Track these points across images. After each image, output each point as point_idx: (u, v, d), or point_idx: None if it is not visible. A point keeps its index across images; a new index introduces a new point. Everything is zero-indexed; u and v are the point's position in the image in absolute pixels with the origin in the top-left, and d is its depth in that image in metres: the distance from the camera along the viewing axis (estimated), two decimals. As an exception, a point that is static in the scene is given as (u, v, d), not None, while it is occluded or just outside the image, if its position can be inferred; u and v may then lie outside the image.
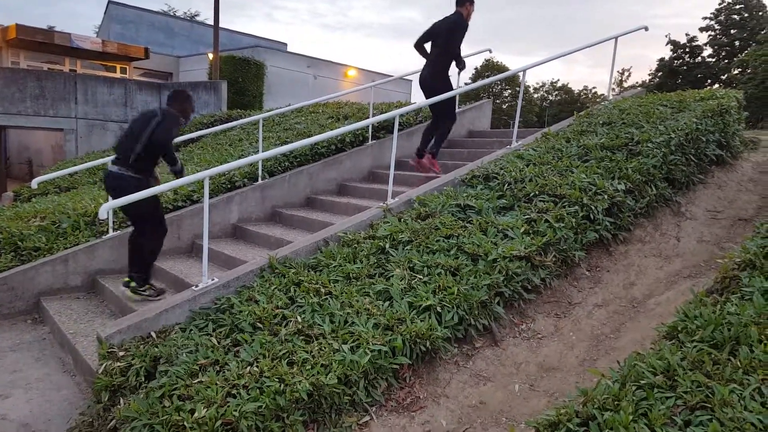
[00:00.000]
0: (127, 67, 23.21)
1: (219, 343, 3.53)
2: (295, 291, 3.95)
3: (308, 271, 4.26)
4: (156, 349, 3.52)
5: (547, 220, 4.48)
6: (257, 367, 3.17)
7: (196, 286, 4.17)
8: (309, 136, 8.11)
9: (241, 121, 8.03)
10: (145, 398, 3.10)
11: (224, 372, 3.19)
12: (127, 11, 27.32)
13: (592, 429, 2.42)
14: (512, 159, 5.72)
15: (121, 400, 3.24)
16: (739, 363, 2.54)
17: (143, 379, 3.36)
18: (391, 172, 5.47)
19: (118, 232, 5.92)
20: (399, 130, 5.55)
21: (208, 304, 4.08)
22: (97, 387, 3.41)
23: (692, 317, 3.05)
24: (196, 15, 46.83)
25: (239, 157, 7.82)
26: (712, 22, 43.51)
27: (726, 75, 42.88)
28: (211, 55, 19.48)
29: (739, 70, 40.46)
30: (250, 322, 3.65)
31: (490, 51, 9.86)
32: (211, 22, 28.03)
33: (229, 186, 6.78)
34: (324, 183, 7.38)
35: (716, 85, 42.19)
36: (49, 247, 5.80)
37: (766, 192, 5.72)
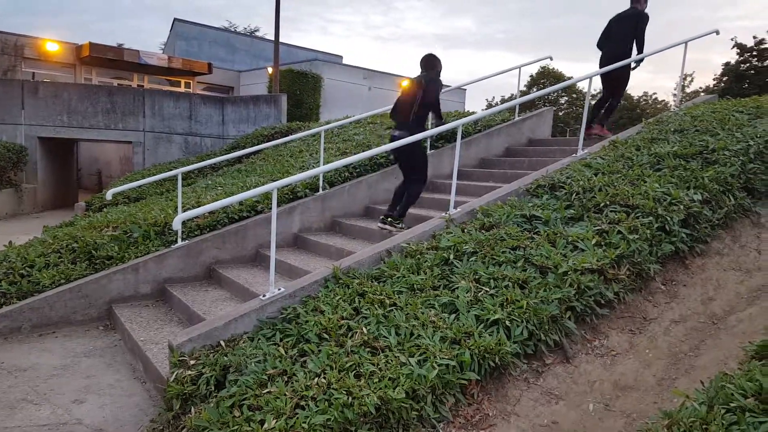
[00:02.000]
0: (191, 81, 24.12)
1: (286, 353, 3.56)
2: (359, 302, 3.94)
3: (372, 281, 4.25)
4: (225, 358, 3.58)
5: (619, 232, 4.30)
6: (325, 378, 3.17)
7: (264, 295, 4.23)
8: (368, 147, 8.17)
9: (302, 133, 8.16)
10: (215, 408, 3.15)
11: (292, 383, 3.21)
12: (191, 28, 28.44)
13: (678, 454, 2.29)
14: (579, 168, 5.55)
15: (192, 409, 3.30)
16: (839, 388, 2.36)
17: (213, 388, 3.41)
18: (454, 181, 5.41)
19: (186, 242, 6.10)
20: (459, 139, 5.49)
21: (274, 313, 4.13)
22: (168, 395, 3.48)
23: (784, 337, 2.87)
24: (255, 30, 48.28)
25: (301, 168, 7.95)
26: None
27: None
28: (270, 69, 20.00)
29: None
30: (316, 333, 3.66)
31: (551, 59, 9.67)
32: (269, 37, 28.68)
33: (291, 196, 6.89)
34: (383, 193, 7.38)
35: (789, 89, 39.97)
36: (121, 255, 6.04)
37: None
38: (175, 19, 28.28)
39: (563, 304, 3.74)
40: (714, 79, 44.15)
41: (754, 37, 42.72)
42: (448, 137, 8.02)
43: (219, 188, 8.17)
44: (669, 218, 4.46)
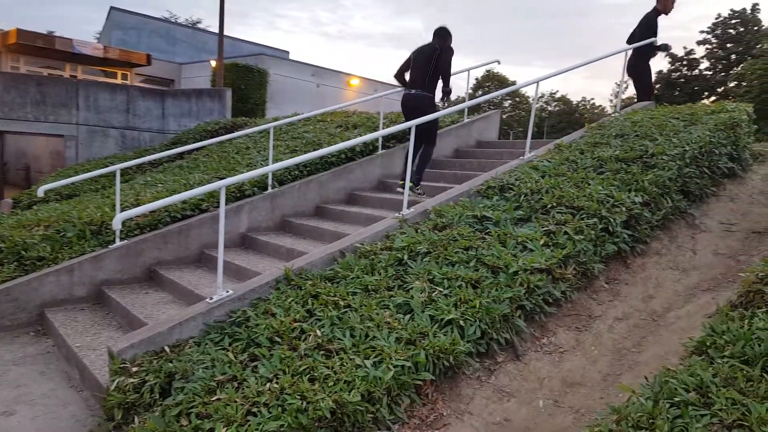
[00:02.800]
0: (129, 73, 23.18)
1: (236, 358, 3.45)
2: (312, 303, 3.88)
3: (325, 282, 4.20)
4: (170, 365, 3.44)
5: (566, 232, 4.43)
6: (277, 383, 3.10)
7: (210, 298, 4.10)
8: (318, 145, 8.08)
9: (249, 130, 7.98)
10: (161, 417, 3.02)
11: (243, 389, 3.12)
12: (128, 17, 27.36)
13: (628, 449, 2.36)
14: (527, 170, 5.68)
15: (135, 419, 3.17)
16: (773, 380, 2.50)
17: (158, 396, 3.28)
18: (407, 183, 5.42)
19: (125, 241, 5.85)
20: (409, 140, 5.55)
21: (222, 317, 4.00)
22: (108, 404, 3.32)
23: (720, 332, 3.01)
24: (197, 22, 46.91)
25: (248, 166, 7.77)
26: (709, 36, 43.80)
27: (723, 88, 43.11)
28: (214, 62, 19.48)
29: (736, 83, 40.70)
30: (267, 336, 3.58)
31: (499, 62, 9.89)
32: (212, 29, 27.97)
33: (238, 195, 6.72)
34: (334, 192, 7.32)
35: (713, 98, 42.40)
36: (53, 256, 5.72)
37: (778, 204, 5.68)
38: (111, 8, 27.13)
39: (514, 303, 3.81)
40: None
41: (684, 48, 45.17)
42: (399, 137, 8.04)
43: (159, 185, 7.87)
44: (612, 219, 4.63)
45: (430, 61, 6.26)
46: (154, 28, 28.54)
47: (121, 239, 5.90)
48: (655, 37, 7.90)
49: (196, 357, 3.51)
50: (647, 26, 7.99)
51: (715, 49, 43.50)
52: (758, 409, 2.32)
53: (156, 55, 24.46)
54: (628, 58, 7.94)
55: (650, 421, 2.45)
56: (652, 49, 8.08)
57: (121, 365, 3.54)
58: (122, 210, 6.19)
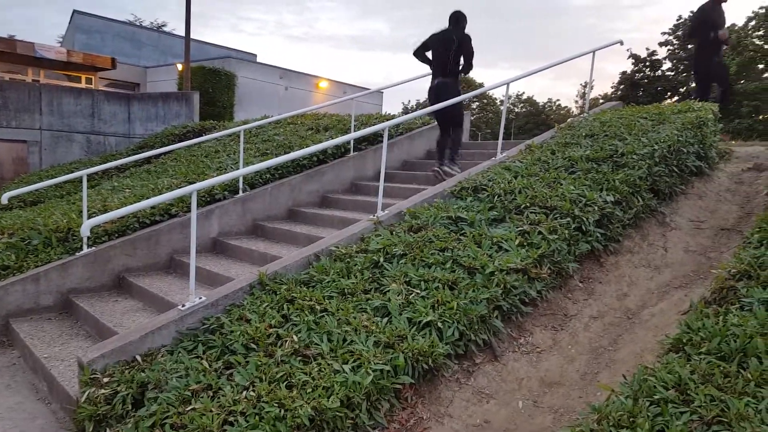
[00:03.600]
0: (93, 77, 22.62)
1: (210, 366, 3.36)
2: (288, 308, 3.80)
3: (301, 287, 4.12)
4: (143, 374, 3.34)
5: (540, 232, 4.44)
6: (254, 391, 3.03)
7: (182, 305, 3.99)
8: (289, 148, 7.99)
9: (219, 133, 7.84)
10: (134, 428, 2.94)
11: (219, 397, 3.04)
12: (92, 21, 26.74)
13: (610, 448, 2.36)
14: (500, 171, 5.69)
15: (107, 431, 3.05)
16: (750, 375, 2.53)
17: (130, 407, 3.17)
18: (381, 183, 5.38)
19: (93, 248, 5.67)
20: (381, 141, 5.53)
21: (195, 324, 3.90)
22: (79, 417, 3.21)
23: (696, 329, 3.04)
24: (163, 25, 46.09)
25: (218, 170, 7.63)
26: (671, 37, 44.85)
27: (684, 88, 44.21)
28: (180, 66, 19.15)
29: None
30: (242, 343, 3.49)
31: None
32: (178, 32, 27.52)
33: (208, 199, 6.59)
34: (306, 195, 7.24)
35: (675, 98, 43.48)
36: (18, 265, 5.53)
37: (744, 202, 5.81)
38: (74, 11, 26.47)
39: (491, 303, 3.80)
40: (612, 87, 47.30)
41: (647, 49, 46.19)
42: (371, 139, 8.00)
43: (127, 191, 7.68)
44: (585, 219, 4.66)
45: (450, 50, 6.51)
46: (118, 31, 27.95)
47: (89, 246, 5.73)
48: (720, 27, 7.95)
49: (170, 366, 3.40)
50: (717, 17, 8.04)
51: (677, 50, 44.57)
52: (737, 404, 2.34)
53: (121, 59, 23.93)
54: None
55: (631, 419, 2.46)
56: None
57: (92, 376, 3.43)
58: (89, 216, 6.02)
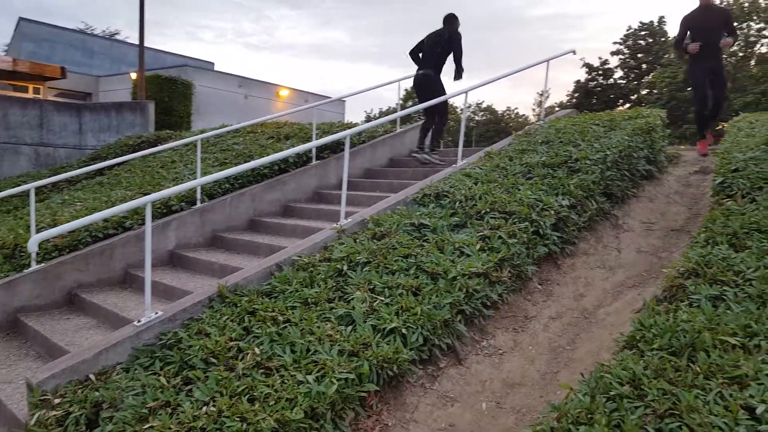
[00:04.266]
0: (42, 87, 21.89)
1: (168, 382, 3.28)
2: (249, 321, 3.75)
3: (262, 298, 4.07)
4: (97, 393, 3.24)
5: (500, 237, 4.52)
6: (214, 406, 2.96)
7: (138, 320, 3.88)
8: (249, 157, 7.90)
9: (175, 143, 7.70)
10: (90, 449, 2.83)
11: (178, 414, 2.96)
12: (40, 29, 25.92)
13: (570, 445, 2.40)
14: (460, 177, 5.77)
15: (61, 453, 2.94)
16: (698, 369, 2.61)
17: (84, 428, 3.07)
18: (344, 191, 5.37)
19: (42, 265, 5.48)
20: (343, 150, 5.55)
21: (152, 339, 3.80)
22: (29, 440, 3.08)
23: (648, 326, 3.12)
24: (115, 33, 45.00)
25: (174, 180, 7.49)
26: (622, 47, 46.45)
27: (636, 95, 45.81)
28: (134, 75, 18.75)
29: (647, 90, 43.37)
30: (201, 358, 3.42)
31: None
32: (131, 40, 26.93)
33: (165, 210, 6.44)
34: (268, 205, 7.17)
35: (627, 105, 44.98)
36: (-39, 283, 5.29)
37: (692, 203, 6.05)
38: (20, 19, 25.61)
39: (454, 308, 3.84)
40: (567, 95, 48.65)
41: (600, 58, 47.68)
42: (333, 148, 7.99)
43: (78, 204, 7.45)
44: (542, 222, 4.77)
45: (440, 46, 7.25)
46: (68, 39, 27.16)
47: (38, 262, 5.53)
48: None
49: (125, 384, 3.31)
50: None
51: (628, 59, 46.15)
52: (687, 397, 2.41)
53: (71, 68, 23.23)
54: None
55: (589, 416, 2.51)
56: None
57: (42, 397, 3.30)
58: (38, 231, 5.80)
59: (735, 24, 7.56)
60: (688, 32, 7.21)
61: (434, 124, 7.64)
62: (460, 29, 7.38)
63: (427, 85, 7.35)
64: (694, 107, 7.64)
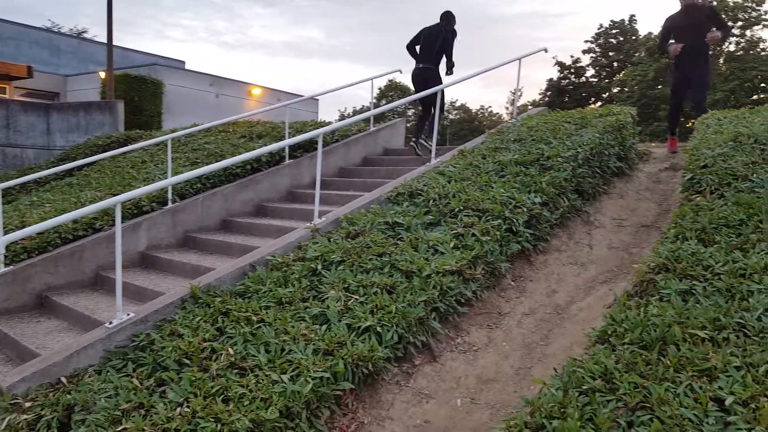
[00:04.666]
0: (7, 86, 21.36)
1: (141, 384, 3.25)
2: (223, 321, 3.72)
3: (236, 298, 4.04)
4: (69, 396, 3.19)
5: (474, 234, 4.55)
6: (188, 407, 2.94)
7: (110, 322, 3.83)
8: (221, 156, 7.83)
9: (145, 142, 7.59)
10: (61, 453, 2.78)
11: (151, 416, 2.93)
12: (4, 27, 25.22)
13: (543, 438, 2.44)
14: (434, 176, 5.80)
15: (31, 458, 2.88)
16: (669, 362, 2.66)
17: (56, 431, 3.01)
18: (317, 190, 5.36)
19: (11, 267, 5.35)
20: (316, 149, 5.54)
21: (124, 341, 3.75)
22: (-1, 445, 3.02)
23: (619, 321, 3.17)
24: (83, 32, 44.02)
25: (145, 180, 7.38)
26: (593, 45, 47.12)
27: (607, 93, 46.53)
28: (103, 74, 18.40)
29: (619, 88, 44.10)
30: (175, 359, 3.39)
31: (401, 72, 10.05)
32: (99, 39, 26.41)
33: (135, 211, 6.35)
34: (240, 204, 7.10)
35: (599, 103, 45.69)
36: (-75, 288, 5.13)
37: (662, 200, 6.17)
38: (-17, 16, 24.92)
39: (428, 305, 3.86)
40: (539, 94, 49.17)
41: (572, 56, 48.32)
42: (306, 147, 7.96)
43: (47, 205, 7.29)
44: (515, 220, 4.82)
45: (437, 41, 7.49)
46: (35, 38, 26.48)
47: (6, 265, 5.40)
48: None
49: (98, 386, 3.27)
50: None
51: (599, 58, 46.82)
52: (657, 390, 2.46)
53: (38, 67, 22.70)
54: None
55: (562, 410, 2.54)
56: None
57: (12, 401, 3.26)
58: (6, 233, 5.66)
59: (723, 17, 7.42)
60: (672, 33, 7.09)
61: (430, 117, 7.87)
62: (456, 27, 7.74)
63: (426, 79, 7.58)
64: (669, 106, 7.76)
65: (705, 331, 2.81)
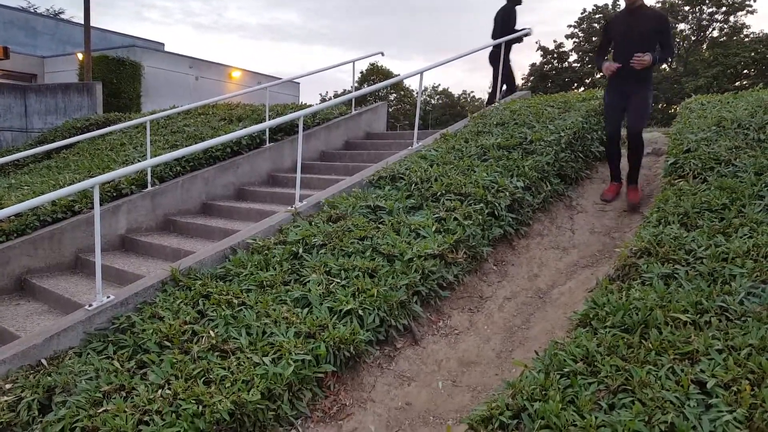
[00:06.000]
0: (-19, 67, 20.81)
1: (122, 366, 3.22)
2: (204, 304, 3.70)
3: (217, 281, 4.01)
4: (49, 378, 3.16)
5: (456, 218, 4.56)
6: (170, 389, 2.93)
7: (90, 305, 3.78)
8: (201, 139, 7.72)
9: (123, 124, 7.44)
10: (41, 435, 2.75)
11: (132, 397, 2.92)
12: (-22, 6, 24.54)
13: (524, 420, 2.45)
14: (416, 159, 5.78)
15: (11, 440, 2.85)
16: (650, 345, 2.68)
17: (37, 413, 3.00)
18: (298, 174, 5.31)
19: (-12, 249, 5.25)
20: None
21: (104, 324, 3.71)
22: (-22, 428, 2.98)
23: (601, 304, 3.20)
24: (60, 12, 42.91)
25: (123, 163, 7.26)
26: (576, 30, 47.20)
27: (590, 79, 46.71)
28: (81, 56, 18.02)
29: (601, 74, 44.35)
30: (155, 341, 3.37)
31: (382, 54, 9.99)
32: (76, 20, 25.85)
33: (114, 194, 6.24)
34: (221, 188, 7.03)
35: (582, 89, 45.89)
36: None
37: (644, 185, 6.17)
38: (-45, -6, 24.20)
39: (410, 289, 3.87)
40: (522, 78, 49.15)
41: (555, 41, 48.33)
42: (287, 130, 7.88)
43: (26, 187, 7.14)
44: (497, 204, 4.84)
45: (502, 18, 8.42)
46: (10, 18, 25.77)
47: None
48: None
49: (78, 368, 3.25)
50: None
51: (582, 42, 46.90)
52: (639, 373, 2.48)
53: (14, 48, 22.12)
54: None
55: (543, 392, 2.56)
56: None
57: (-8, 383, 3.20)
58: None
59: (674, 32, 6.30)
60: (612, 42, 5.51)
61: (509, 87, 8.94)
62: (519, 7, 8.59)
63: (494, 54, 8.51)
64: (605, 139, 5.82)
65: (687, 315, 2.84)
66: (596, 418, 2.30)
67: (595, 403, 2.42)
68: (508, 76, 8.87)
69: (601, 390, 2.51)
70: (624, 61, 5.16)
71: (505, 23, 8.45)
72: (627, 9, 5.34)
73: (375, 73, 57.76)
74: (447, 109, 65.48)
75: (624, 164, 5.65)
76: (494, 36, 8.53)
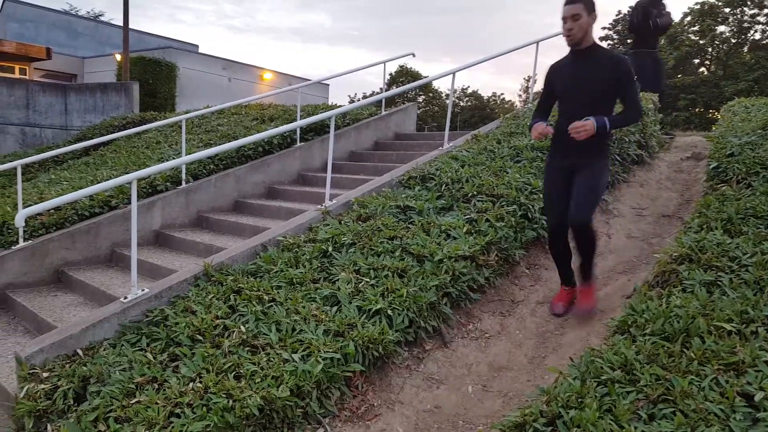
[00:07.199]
0: (27, 68, 21.50)
1: (155, 358, 3.26)
2: (235, 299, 3.72)
3: (248, 277, 4.03)
4: (85, 368, 3.22)
5: (487, 220, 4.49)
6: (201, 382, 2.94)
7: (125, 297, 3.85)
8: (234, 138, 7.82)
9: (159, 123, 7.58)
10: (76, 423, 2.82)
11: (164, 390, 2.94)
12: (25, 9, 25.42)
13: (559, 428, 2.37)
14: (447, 160, 5.73)
15: (49, 427, 2.95)
16: (693, 354, 2.55)
17: (72, 401, 3.06)
18: (329, 174, 5.32)
19: (30, 242, 5.41)
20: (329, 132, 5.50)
21: (138, 316, 3.77)
22: (18, 413, 3.07)
23: (640, 311, 3.08)
24: (100, 15, 44.11)
25: (159, 160, 7.38)
26: (611, 32, 46.39)
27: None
28: (119, 56, 18.46)
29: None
30: (188, 335, 3.39)
31: (414, 55, 9.94)
32: (115, 22, 26.53)
33: (150, 190, 6.36)
34: (252, 186, 7.09)
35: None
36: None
37: (683, 189, 6.05)
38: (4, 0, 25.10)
39: (440, 290, 3.81)
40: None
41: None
42: (317, 130, 7.91)
43: (65, 183, 7.34)
44: (531, 206, 4.75)
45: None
46: (53, 20, 26.65)
47: (25, 239, 5.47)
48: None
49: (112, 359, 3.30)
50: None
51: (617, 45, 46.09)
52: (681, 383, 2.37)
53: (57, 49, 22.84)
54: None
55: (579, 400, 2.47)
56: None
57: (31, 371, 3.30)
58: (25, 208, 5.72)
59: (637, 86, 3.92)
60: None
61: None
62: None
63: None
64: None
65: (732, 324, 2.71)
66: (635, 428, 2.22)
67: (634, 413, 2.33)
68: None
69: (641, 399, 2.41)
70: (567, 126, 3.59)
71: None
72: (572, 52, 3.79)
73: (404, 75, 57.76)
74: (476, 111, 64.97)
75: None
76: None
